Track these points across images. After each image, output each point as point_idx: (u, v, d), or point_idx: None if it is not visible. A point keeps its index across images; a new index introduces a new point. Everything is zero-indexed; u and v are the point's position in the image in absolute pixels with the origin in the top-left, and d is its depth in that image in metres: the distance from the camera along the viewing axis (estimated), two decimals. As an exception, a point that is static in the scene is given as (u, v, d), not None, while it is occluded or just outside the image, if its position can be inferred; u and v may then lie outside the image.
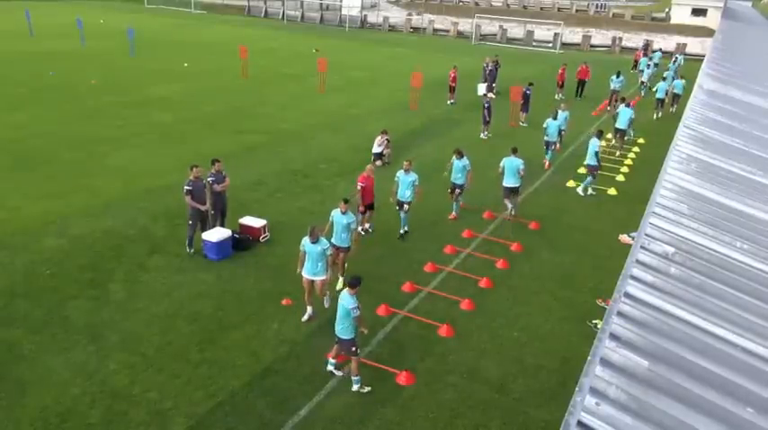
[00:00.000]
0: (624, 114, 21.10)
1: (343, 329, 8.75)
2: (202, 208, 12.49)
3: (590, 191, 17.34)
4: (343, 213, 11.09)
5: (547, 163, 19.38)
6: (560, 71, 30.46)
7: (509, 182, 15.05)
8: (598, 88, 31.17)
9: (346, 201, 11.12)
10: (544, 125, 19.44)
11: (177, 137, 20.65)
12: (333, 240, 11.09)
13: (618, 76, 27.56)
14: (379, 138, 18.92)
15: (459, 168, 14.60)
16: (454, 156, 14.67)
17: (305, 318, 10.50)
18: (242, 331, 10.15)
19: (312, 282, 10.30)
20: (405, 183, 13.54)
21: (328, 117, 24.43)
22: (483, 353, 9.96)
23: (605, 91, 28.83)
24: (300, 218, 14.43)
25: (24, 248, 12.55)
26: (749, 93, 15.23)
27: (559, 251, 13.74)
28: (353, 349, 8.83)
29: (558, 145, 19.83)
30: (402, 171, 13.55)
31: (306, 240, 10.08)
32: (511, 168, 14.97)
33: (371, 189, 13.46)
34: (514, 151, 15.31)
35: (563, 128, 19.93)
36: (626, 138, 21.74)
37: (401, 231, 13.94)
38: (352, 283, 8.77)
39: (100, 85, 27.52)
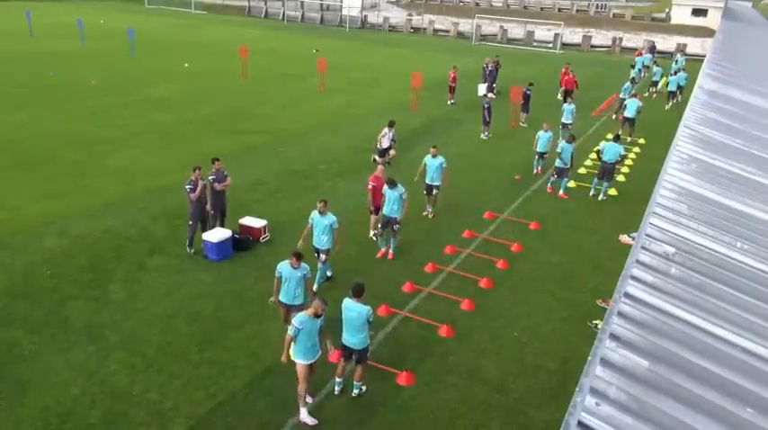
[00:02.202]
0: (633, 104, 23.14)
1: (362, 340, 8.42)
2: (208, 208, 12.58)
3: (592, 191, 17.28)
4: (296, 268, 9.23)
5: (562, 192, 17.06)
6: (562, 71, 30.47)
7: (430, 179, 14.73)
8: (597, 88, 31.21)
9: (299, 257, 9.19)
10: (558, 149, 17.08)
11: (177, 137, 20.66)
12: (282, 297, 9.33)
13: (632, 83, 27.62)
14: (387, 130, 18.48)
15: (393, 198, 12.56)
16: (386, 186, 12.69)
17: (304, 416, 8.36)
18: (242, 331, 10.15)
19: (311, 366, 8.31)
20: (320, 226, 10.92)
21: (328, 117, 24.44)
22: (483, 353, 9.96)
23: (604, 91, 28.84)
24: (300, 218, 14.38)
25: (24, 248, 12.55)
26: (749, 93, 15.23)
27: (560, 251, 13.74)
28: (367, 356, 8.75)
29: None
30: (316, 212, 10.94)
31: (303, 317, 7.91)
32: (433, 167, 14.64)
33: (381, 190, 13.38)
34: (434, 146, 15.13)
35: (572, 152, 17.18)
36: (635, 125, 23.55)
37: (319, 282, 11.35)
38: (358, 291, 8.36)
39: (100, 86, 27.53)
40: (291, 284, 9.26)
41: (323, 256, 11.11)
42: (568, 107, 22.12)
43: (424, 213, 15.10)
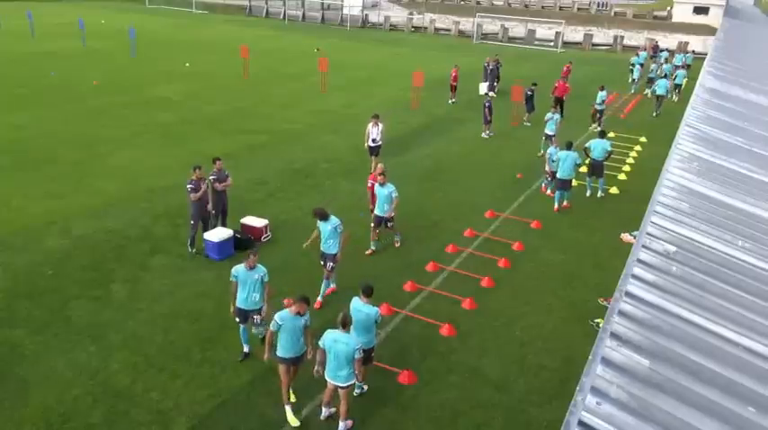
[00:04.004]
0: (662, 84, 25.74)
1: (369, 340, 8.40)
2: (208, 207, 12.56)
3: (589, 192, 17.20)
4: (302, 315, 8.05)
5: (565, 202, 16.08)
6: (565, 69, 30.46)
7: (380, 211, 12.80)
8: (597, 86, 31.10)
9: (307, 301, 8.10)
10: (554, 157, 16.09)
11: (178, 137, 20.67)
12: (284, 352, 8.16)
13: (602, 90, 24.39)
14: (372, 123, 17.35)
15: (327, 233, 10.79)
16: (318, 220, 10.86)
17: (324, 414, 8.33)
18: (243, 331, 10.14)
19: (336, 388, 7.94)
20: (249, 281, 9.13)
21: (330, 116, 24.44)
22: (485, 352, 9.96)
23: (605, 89, 28.64)
24: (302, 218, 14.43)
25: (26, 248, 12.57)
26: (751, 91, 15.21)
27: (561, 250, 13.73)
28: (372, 356, 8.73)
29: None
30: (242, 266, 9.11)
31: (336, 333, 7.65)
32: (382, 196, 12.68)
33: None
34: (382, 174, 12.81)
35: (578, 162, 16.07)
36: (667, 97, 27.17)
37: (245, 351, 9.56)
38: (367, 291, 8.37)
39: (101, 86, 27.55)
40: (296, 335, 8.07)
41: (256, 317, 9.25)
42: (553, 115, 19.80)
43: (368, 252, 12.83)
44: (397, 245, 13.36)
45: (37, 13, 44.81)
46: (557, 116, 19.91)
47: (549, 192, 16.85)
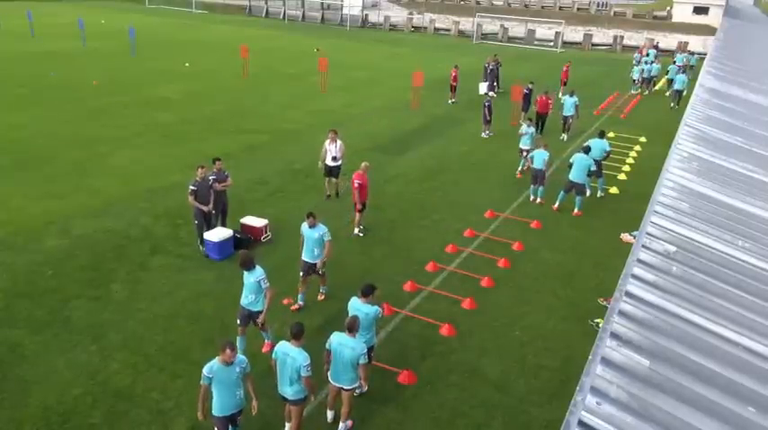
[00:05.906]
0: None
1: (368, 339, 8.40)
2: (204, 208, 12.50)
3: (588, 191, 17.17)
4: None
5: (576, 210, 15.71)
6: (564, 69, 30.48)
7: (309, 256, 10.78)
8: (598, 87, 31.15)
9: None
10: (573, 160, 15.64)
11: (178, 137, 20.66)
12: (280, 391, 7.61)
13: (571, 95, 22.76)
14: (330, 139, 15.34)
15: (250, 286, 9.10)
16: (244, 270, 9.11)
17: (331, 417, 8.32)
18: (243, 331, 10.13)
19: (340, 390, 7.95)
20: (227, 382, 7.21)
21: (329, 116, 24.42)
22: (484, 352, 9.96)
23: (605, 90, 28.81)
24: (302, 218, 14.39)
25: (26, 248, 12.56)
26: (751, 91, 15.22)
27: (561, 250, 13.73)
28: (372, 355, 8.73)
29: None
30: (219, 362, 7.10)
31: (343, 336, 7.65)
32: (311, 239, 10.67)
33: (366, 187, 13.47)
34: (310, 216, 10.64)
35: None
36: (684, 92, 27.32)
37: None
38: (366, 291, 8.36)
39: (101, 86, 27.53)
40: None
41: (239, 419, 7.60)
42: (528, 129, 18.37)
43: (286, 301, 10.93)
44: (322, 298, 11.15)
45: (37, 13, 44.79)
46: (531, 130, 18.41)
47: (538, 200, 16.48)
